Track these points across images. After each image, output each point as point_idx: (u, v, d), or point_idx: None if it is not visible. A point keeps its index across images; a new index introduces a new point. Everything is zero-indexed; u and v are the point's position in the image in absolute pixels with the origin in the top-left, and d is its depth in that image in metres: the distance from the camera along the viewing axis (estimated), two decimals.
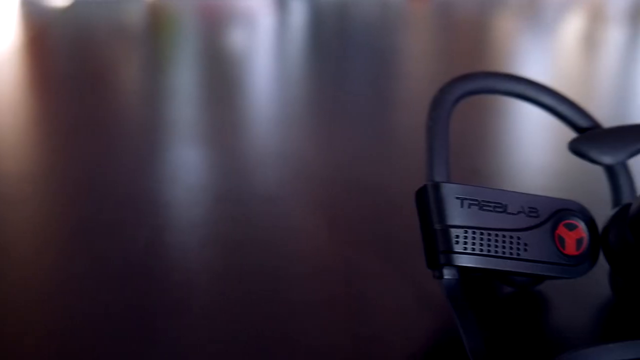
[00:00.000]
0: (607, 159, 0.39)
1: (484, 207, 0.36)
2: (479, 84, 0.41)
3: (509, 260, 0.36)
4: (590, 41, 1.87)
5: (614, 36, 1.94)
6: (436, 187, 0.37)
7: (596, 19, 2.23)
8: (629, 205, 0.37)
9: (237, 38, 1.65)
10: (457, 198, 0.36)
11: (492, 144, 0.79)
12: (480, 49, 1.63)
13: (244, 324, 0.39)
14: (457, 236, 0.36)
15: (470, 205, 0.36)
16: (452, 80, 0.41)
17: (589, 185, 0.53)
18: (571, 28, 2.06)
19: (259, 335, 0.38)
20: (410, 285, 0.43)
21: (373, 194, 0.58)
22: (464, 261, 0.36)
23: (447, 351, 0.37)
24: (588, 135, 0.40)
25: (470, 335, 0.35)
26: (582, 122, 0.43)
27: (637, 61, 1.57)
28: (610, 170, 0.44)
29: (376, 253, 0.47)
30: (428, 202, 0.37)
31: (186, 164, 0.68)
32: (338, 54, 1.44)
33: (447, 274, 0.37)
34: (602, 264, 0.39)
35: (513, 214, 0.37)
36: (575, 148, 0.40)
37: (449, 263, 0.36)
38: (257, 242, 0.49)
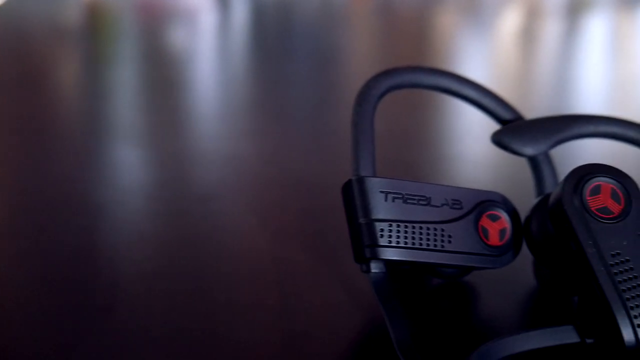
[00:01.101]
0: (529, 150, 0.40)
1: (408, 200, 0.37)
2: (403, 78, 0.41)
3: (433, 252, 0.37)
4: (528, 36, 1.90)
5: (551, 30, 1.99)
6: (360, 181, 0.37)
7: (534, 14, 2.27)
8: (549, 195, 0.38)
9: (177, 36, 1.64)
10: (382, 192, 0.36)
11: (421, 137, 0.80)
12: (421, 45, 1.65)
13: (172, 323, 0.38)
14: (382, 230, 0.36)
15: (394, 198, 0.36)
16: (376, 75, 0.41)
17: (517, 176, 0.54)
18: (509, 23, 2.09)
19: (187, 333, 0.37)
20: (341, 280, 0.43)
21: (308, 192, 0.58)
22: (389, 254, 0.36)
23: (376, 344, 0.37)
24: (510, 127, 0.41)
25: (397, 328, 0.35)
26: (506, 115, 0.43)
27: (573, 54, 1.61)
28: (533, 161, 0.45)
29: (309, 250, 0.47)
30: (353, 197, 0.37)
31: (122, 164, 0.68)
32: (279, 52, 1.44)
33: (374, 267, 0.37)
34: (528, 254, 0.40)
35: (437, 206, 0.37)
36: (497, 140, 0.40)
37: (375, 257, 0.36)
38: (188, 241, 0.49)
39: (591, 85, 1.24)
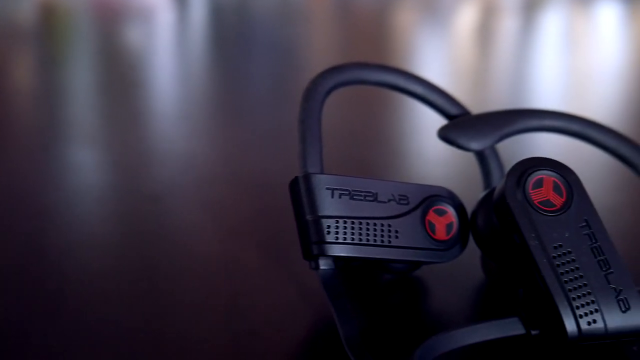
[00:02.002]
0: (475, 145, 0.40)
1: (355, 197, 0.37)
2: (349, 75, 0.41)
3: (380, 248, 0.37)
4: (485, 32, 1.92)
5: (507, 27, 2.01)
6: (307, 178, 0.37)
7: (490, 11, 2.30)
8: (495, 189, 0.38)
9: (134, 35, 1.62)
10: (328, 188, 0.36)
11: (373, 133, 0.80)
12: (379, 43, 1.65)
13: (120, 323, 0.38)
14: (329, 226, 0.36)
15: (341, 195, 0.37)
16: (323, 72, 0.41)
17: (468, 171, 0.54)
18: (466, 20, 2.11)
19: (135, 333, 0.37)
20: (292, 278, 0.43)
21: (261, 190, 0.58)
22: (337, 251, 0.36)
23: (325, 342, 0.37)
24: (456, 123, 0.41)
25: (345, 325, 0.35)
26: (453, 110, 0.43)
27: (529, 50, 1.63)
28: (480, 156, 0.46)
29: (260, 248, 0.47)
30: (300, 194, 0.37)
31: (74, 164, 0.66)
32: (237, 50, 1.43)
33: (323, 264, 0.37)
34: (477, 248, 0.41)
35: (384, 202, 0.37)
36: (443, 135, 0.41)
37: (322, 253, 0.36)
38: (138, 241, 0.48)
39: (546, 79, 1.26)
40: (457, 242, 0.39)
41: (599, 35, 1.91)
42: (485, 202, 0.39)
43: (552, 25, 2.08)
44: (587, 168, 0.64)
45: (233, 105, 0.96)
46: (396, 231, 0.37)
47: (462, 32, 1.90)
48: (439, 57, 1.49)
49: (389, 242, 0.37)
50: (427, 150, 0.71)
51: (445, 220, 0.38)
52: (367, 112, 0.89)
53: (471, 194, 0.42)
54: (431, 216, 0.38)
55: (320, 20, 2.04)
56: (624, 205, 0.57)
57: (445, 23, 2.01)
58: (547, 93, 1.13)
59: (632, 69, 1.40)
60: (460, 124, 0.41)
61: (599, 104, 1.03)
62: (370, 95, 0.87)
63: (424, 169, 0.67)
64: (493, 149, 0.45)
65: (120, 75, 1.15)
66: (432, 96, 0.43)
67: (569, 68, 1.38)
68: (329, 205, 0.36)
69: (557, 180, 0.35)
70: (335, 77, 0.41)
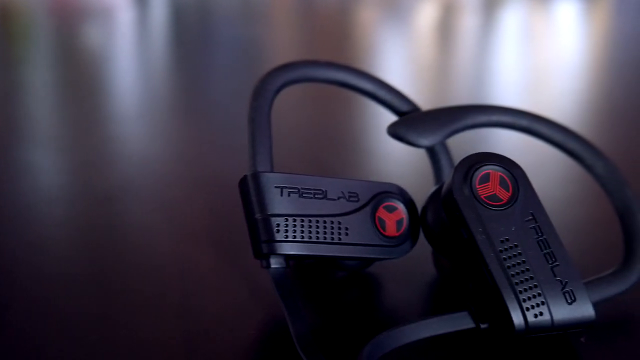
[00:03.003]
0: (424, 142, 0.41)
1: (304, 195, 0.37)
2: (299, 73, 0.41)
3: (330, 246, 0.37)
4: (445, 29, 1.94)
5: (468, 24, 2.03)
6: (255, 177, 0.36)
7: (450, 9, 2.32)
8: (443, 185, 0.39)
9: (93, 34, 1.60)
10: (277, 187, 0.36)
11: (328, 131, 0.80)
12: (341, 41, 1.65)
13: (70, 326, 0.37)
14: (278, 225, 0.36)
15: (290, 193, 0.36)
16: (272, 70, 0.41)
17: (422, 167, 0.55)
18: (426, 17, 2.13)
19: (86, 333, 0.36)
20: (245, 277, 0.43)
21: (216, 189, 0.57)
22: (286, 249, 0.36)
23: (277, 341, 0.37)
24: (405, 119, 0.41)
25: (297, 323, 0.35)
26: (403, 107, 0.44)
27: (489, 47, 1.65)
28: (431, 152, 0.46)
29: (213, 248, 0.47)
30: (249, 193, 0.37)
31: (29, 166, 0.65)
32: (198, 49, 1.42)
33: (274, 263, 0.37)
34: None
35: (333, 199, 0.37)
36: (393, 132, 0.41)
37: (272, 252, 0.36)
38: (90, 243, 0.48)
39: (506, 76, 1.28)
40: (408, 238, 0.39)
41: (557, 32, 1.94)
42: (434, 198, 0.39)
43: (511, 22, 2.10)
44: (539, 162, 0.65)
45: (192, 105, 0.95)
46: (346, 228, 0.37)
47: (422, 29, 1.91)
48: (400, 54, 1.50)
49: (339, 239, 0.37)
50: (381, 147, 0.71)
51: (395, 217, 0.39)
52: (322, 110, 0.89)
53: (425, 190, 0.42)
54: (381, 213, 0.38)
55: (282, 19, 2.04)
56: (574, 198, 0.57)
57: (406, 21, 2.02)
58: (507, 89, 1.15)
59: (588, 65, 1.42)
60: (409, 120, 0.41)
61: (556, 99, 1.04)
62: (325, 93, 0.87)
63: (378, 166, 0.67)
64: (443, 144, 0.46)
65: (79, 75, 1.13)
66: (382, 93, 0.43)
67: (527, 65, 1.39)
68: (278, 203, 0.36)
69: (503, 175, 0.36)
70: (284, 75, 0.41)
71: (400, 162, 0.66)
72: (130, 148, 0.72)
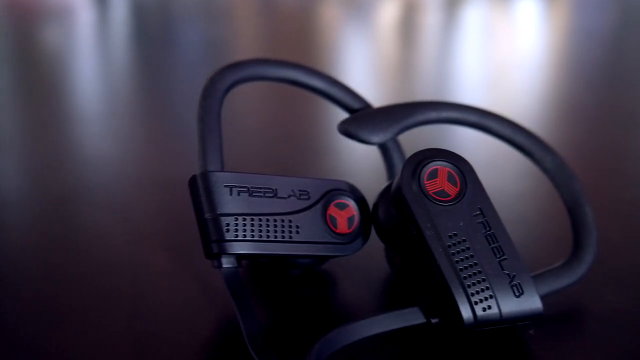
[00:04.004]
0: (375, 139, 0.41)
1: (254, 194, 0.37)
2: (249, 71, 0.41)
3: (281, 244, 0.37)
4: (407, 27, 1.95)
5: (429, 22, 2.04)
6: (204, 176, 0.36)
7: (412, 6, 2.33)
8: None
9: (52, 34, 1.57)
10: (226, 186, 0.36)
11: (286, 130, 0.80)
12: (303, 39, 1.65)
13: (18, 331, 0.37)
14: (228, 224, 0.36)
15: (239, 192, 0.36)
16: (221, 69, 0.41)
17: (376, 164, 0.55)
18: (388, 15, 2.14)
19: (36, 337, 0.36)
20: (197, 278, 0.42)
21: (170, 190, 0.57)
22: (237, 249, 0.36)
23: (229, 341, 0.36)
24: (356, 117, 0.41)
25: (248, 322, 0.35)
26: (354, 104, 0.44)
27: (450, 44, 1.66)
28: (383, 149, 0.46)
29: (167, 249, 0.46)
30: (198, 192, 0.36)
31: None
32: (159, 48, 1.41)
33: (226, 262, 0.37)
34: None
35: (284, 197, 0.37)
36: (344, 129, 0.41)
37: (222, 252, 0.36)
38: (41, 245, 0.47)
39: (467, 73, 1.29)
40: (359, 235, 0.39)
41: (517, 29, 1.96)
42: (385, 195, 0.39)
43: (472, 20, 2.12)
44: (493, 157, 0.65)
45: (151, 106, 0.94)
46: (297, 226, 0.37)
47: (385, 27, 1.92)
48: (362, 52, 1.50)
49: (290, 237, 0.37)
50: (338, 144, 0.71)
51: (346, 214, 0.39)
52: (279, 109, 0.89)
53: (380, 186, 0.42)
54: (332, 210, 0.38)
55: (244, 18, 2.03)
56: (526, 193, 0.58)
57: (369, 19, 2.03)
58: (468, 86, 1.16)
59: (548, 62, 1.44)
60: (360, 117, 0.41)
61: (516, 96, 1.06)
62: (283, 92, 0.87)
63: (334, 163, 0.67)
64: (395, 141, 0.46)
65: (37, 76, 1.12)
66: (333, 90, 0.43)
67: (488, 62, 1.41)
68: (227, 202, 0.36)
69: (451, 171, 0.36)
70: (234, 74, 0.41)
71: (356, 159, 0.66)
72: (86, 150, 0.71)
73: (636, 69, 1.31)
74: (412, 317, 0.35)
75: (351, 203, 0.39)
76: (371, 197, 0.41)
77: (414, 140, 0.56)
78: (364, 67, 1.29)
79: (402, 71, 1.30)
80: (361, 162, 0.64)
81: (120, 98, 0.99)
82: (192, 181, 0.37)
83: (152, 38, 1.59)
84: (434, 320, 0.35)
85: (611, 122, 0.87)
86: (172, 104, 0.93)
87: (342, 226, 0.38)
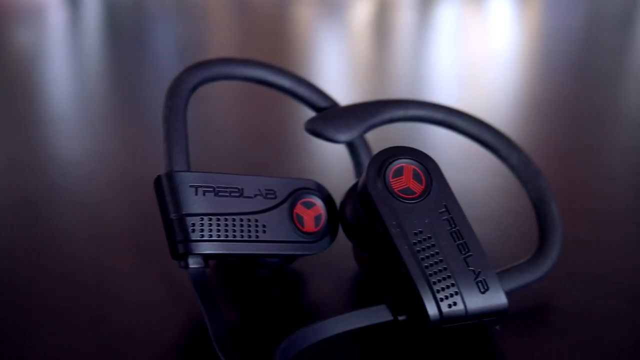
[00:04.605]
0: (342, 137, 0.41)
1: (220, 193, 0.36)
2: (214, 71, 0.41)
3: (248, 244, 0.37)
4: (381, 26, 1.95)
5: (403, 20, 2.05)
6: (169, 176, 0.36)
7: (385, 5, 2.34)
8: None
9: (24, 34, 1.55)
10: (192, 186, 0.36)
11: (256, 129, 0.80)
12: (277, 38, 1.65)
13: None
14: (194, 224, 0.35)
15: (205, 192, 0.36)
16: (187, 69, 0.40)
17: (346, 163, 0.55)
18: (362, 14, 2.14)
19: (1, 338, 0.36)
20: (164, 279, 0.42)
21: (140, 191, 0.56)
22: (203, 249, 0.35)
23: (196, 341, 0.36)
24: (323, 115, 0.41)
25: (215, 323, 0.35)
26: (321, 103, 0.44)
27: (424, 43, 1.67)
28: (351, 147, 0.46)
29: (135, 249, 0.46)
30: (163, 193, 0.36)
31: None
32: (132, 49, 1.40)
33: (193, 263, 0.36)
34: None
35: (250, 197, 0.37)
36: (310, 128, 0.41)
37: (188, 252, 0.35)
38: (9, 247, 0.47)
39: (441, 71, 1.29)
40: (327, 233, 0.39)
41: (490, 28, 1.98)
42: (351, 193, 0.39)
43: (445, 18, 2.13)
44: (462, 154, 0.66)
45: (122, 106, 0.94)
46: (263, 226, 0.37)
47: (358, 26, 1.92)
48: (336, 51, 1.50)
49: (257, 237, 0.37)
50: (308, 143, 0.71)
51: (313, 213, 0.39)
52: (250, 109, 0.89)
53: (349, 185, 0.42)
54: (299, 209, 0.38)
55: (217, 18, 2.02)
56: (495, 190, 0.58)
57: (342, 18, 2.03)
58: (442, 85, 1.16)
59: (521, 60, 1.45)
60: (326, 116, 0.41)
61: (489, 94, 1.06)
62: (253, 92, 0.87)
63: (304, 162, 0.67)
64: (363, 139, 0.46)
65: (7, 76, 1.10)
66: (300, 89, 0.43)
67: (462, 60, 1.42)
68: (193, 202, 0.36)
69: (416, 168, 0.36)
70: (200, 73, 0.40)
71: (329, 158, 0.66)
72: (56, 150, 0.70)
73: (606, 66, 1.32)
74: (379, 314, 0.35)
75: (318, 202, 0.39)
76: (341, 196, 0.41)
77: (384, 138, 0.56)
78: (338, 66, 1.29)
79: (376, 70, 1.30)
80: (333, 161, 0.64)
81: (92, 98, 0.98)
82: (157, 181, 0.37)
83: (124, 38, 1.58)
84: (401, 318, 0.35)
85: (581, 120, 0.88)
86: (143, 104, 0.92)
87: (309, 225, 0.38)
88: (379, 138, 0.51)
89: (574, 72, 1.28)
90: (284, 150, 0.70)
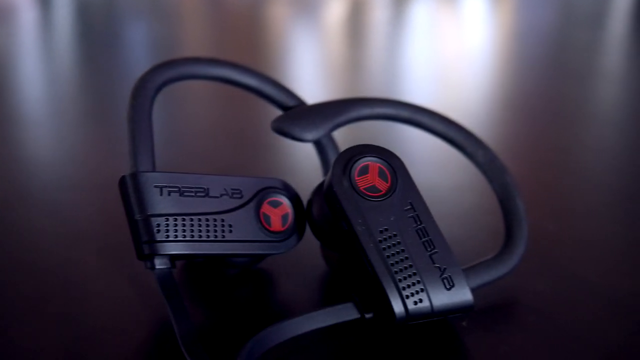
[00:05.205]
0: (308, 136, 0.41)
1: (185, 193, 0.36)
2: (180, 70, 0.41)
3: (214, 243, 0.36)
4: (355, 24, 1.96)
5: (377, 19, 2.06)
6: (134, 177, 0.36)
7: (359, 3, 2.34)
8: None
9: None
10: (156, 186, 0.36)
11: (227, 129, 0.80)
12: (251, 37, 1.65)
13: None
14: (159, 225, 0.35)
15: (170, 192, 0.36)
16: (152, 68, 0.40)
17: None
18: (336, 13, 2.14)
19: None
20: (132, 280, 0.42)
21: (109, 192, 0.56)
22: (168, 249, 0.35)
23: (162, 342, 0.36)
24: (289, 114, 0.41)
25: (181, 323, 0.34)
26: (288, 102, 0.44)
27: (398, 42, 1.67)
28: (318, 146, 0.46)
29: (103, 251, 0.45)
30: (128, 193, 0.36)
31: None
32: (103, 49, 1.39)
33: (159, 263, 0.36)
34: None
35: (216, 197, 0.37)
36: (277, 127, 0.41)
37: (154, 253, 0.35)
38: None
39: (415, 70, 1.30)
40: (294, 232, 0.39)
41: (463, 26, 1.99)
42: (318, 192, 0.39)
43: (419, 17, 2.14)
44: (430, 151, 0.66)
45: (92, 106, 0.93)
46: (230, 225, 0.37)
47: (332, 25, 1.92)
48: (310, 50, 1.50)
49: (223, 236, 0.37)
50: (280, 143, 0.71)
51: (280, 212, 0.39)
52: (222, 109, 0.89)
53: (316, 184, 0.42)
54: (266, 208, 0.38)
55: (191, 17, 2.01)
56: (463, 186, 0.59)
57: (316, 17, 2.03)
58: (416, 83, 1.17)
59: (495, 58, 1.46)
60: (293, 115, 0.41)
61: (463, 92, 1.07)
62: (220, 92, 0.87)
63: (276, 162, 0.67)
64: (330, 138, 0.46)
65: None
66: (267, 88, 0.43)
67: (435, 59, 1.42)
68: (158, 203, 0.35)
69: (382, 166, 0.36)
70: (165, 73, 0.40)
71: (300, 157, 0.66)
72: (25, 151, 0.69)
73: (577, 64, 1.34)
74: (346, 312, 0.36)
75: (285, 201, 0.39)
76: (309, 195, 0.41)
77: (353, 137, 0.56)
78: (312, 65, 1.29)
79: (350, 69, 1.31)
80: (303, 160, 0.64)
81: (62, 99, 0.97)
82: (122, 182, 0.36)
83: (96, 38, 1.57)
84: (367, 316, 0.35)
85: (553, 117, 0.89)
86: (114, 104, 0.91)
87: (276, 224, 0.38)
88: (348, 137, 0.51)
89: (546, 70, 1.29)
90: (254, 150, 0.70)
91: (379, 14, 2.14)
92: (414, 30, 1.90)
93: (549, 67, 1.32)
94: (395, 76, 1.24)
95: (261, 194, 0.38)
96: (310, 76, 1.17)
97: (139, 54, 1.36)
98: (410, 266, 0.34)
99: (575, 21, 2.10)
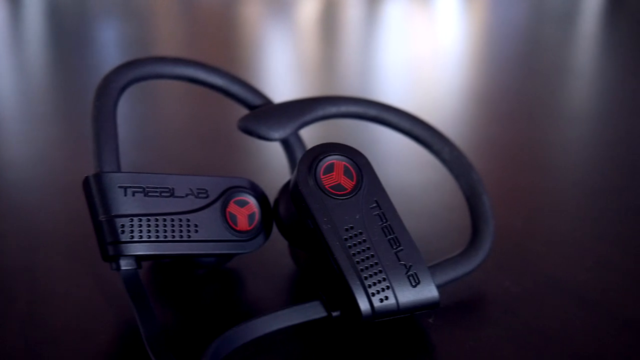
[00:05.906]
0: (275, 135, 0.40)
1: (150, 193, 0.36)
2: (145, 70, 0.40)
3: (180, 243, 0.36)
4: (328, 23, 1.96)
5: (350, 18, 2.06)
6: (97, 177, 0.35)
7: (333, 2, 2.35)
8: None
9: None
10: (120, 187, 0.35)
11: (196, 130, 0.79)
12: (225, 36, 1.64)
13: None
14: (123, 225, 0.35)
15: (134, 192, 0.36)
16: (116, 68, 0.40)
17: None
18: (309, 11, 2.14)
19: None
20: (97, 282, 0.41)
21: (75, 193, 0.55)
22: (133, 250, 0.35)
23: (127, 343, 0.36)
24: (255, 113, 0.41)
25: (147, 324, 0.34)
26: (255, 101, 0.43)
27: (371, 40, 1.68)
28: (285, 145, 0.46)
29: (66, 253, 0.45)
30: (92, 194, 0.36)
31: None
32: (76, 48, 1.37)
33: (124, 264, 0.36)
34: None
35: (181, 197, 0.37)
36: (243, 126, 0.40)
37: (118, 254, 0.35)
38: None
39: (389, 68, 1.30)
40: (261, 231, 0.39)
41: (437, 24, 2.00)
42: (285, 191, 0.39)
43: (392, 15, 2.15)
44: (399, 150, 0.66)
45: (61, 106, 0.92)
46: (195, 225, 0.37)
47: (306, 24, 1.92)
48: (284, 49, 1.50)
49: (189, 236, 0.36)
50: (250, 142, 0.71)
51: (246, 211, 0.39)
52: (185, 108, 0.88)
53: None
54: (232, 208, 0.38)
55: (163, 15, 2.00)
56: (431, 184, 0.59)
57: (290, 16, 2.03)
58: (389, 81, 1.17)
59: (467, 56, 1.47)
60: (259, 114, 0.41)
61: (437, 90, 1.07)
62: (188, 92, 0.87)
63: (239, 161, 0.67)
64: (297, 136, 0.46)
65: None
66: (233, 88, 0.43)
67: (409, 57, 1.43)
68: (122, 203, 0.35)
69: (347, 165, 0.36)
70: (130, 72, 0.40)
71: (264, 156, 0.66)
72: None
73: (549, 61, 1.35)
74: (313, 311, 0.35)
75: (251, 200, 0.39)
76: (276, 194, 0.41)
77: (321, 136, 0.56)
78: (285, 63, 1.29)
79: (323, 67, 1.31)
80: (271, 159, 0.64)
81: (31, 99, 0.96)
82: (86, 183, 0.36)
83: (66, 37, 1.55)
84: (334, 314, 0.35)
85: (522, 114, 0.90)
86: (83, 104, 0.91)
87: (243, 223, 0.38)
88: (316, 135, 0.51)
89: (517, 68, 1.30)
90: (222, 150, 0.70)
91: (352, 12, 2.15)
92: (387, 28, 1.91)
93: (520, 65, 1.33)
94: (368, 75, 1.25)
95: (227, 194, 0.38)
96: (283, 75, 1.17)
97: (110, 53, 1.35)
98: (376, 264, 0.35)
99: (546, 19, 2.12)
